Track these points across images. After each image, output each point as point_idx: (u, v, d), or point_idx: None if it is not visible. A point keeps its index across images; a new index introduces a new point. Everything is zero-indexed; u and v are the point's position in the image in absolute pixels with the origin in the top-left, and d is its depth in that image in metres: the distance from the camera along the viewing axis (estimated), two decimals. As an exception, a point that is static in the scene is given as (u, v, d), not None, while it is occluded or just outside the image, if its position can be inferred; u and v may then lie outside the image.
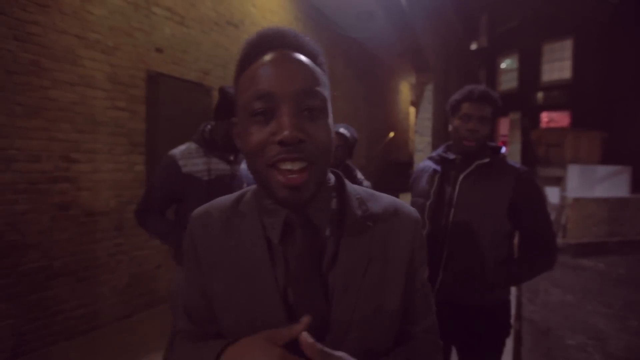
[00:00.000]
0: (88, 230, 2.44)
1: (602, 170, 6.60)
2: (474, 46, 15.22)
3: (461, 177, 1.20)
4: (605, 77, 10.56)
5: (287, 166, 0.40)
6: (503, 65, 14.52)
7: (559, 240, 5.90)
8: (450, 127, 1.26)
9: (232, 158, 1.44)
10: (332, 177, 0.52)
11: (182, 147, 1.41)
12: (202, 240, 0.51)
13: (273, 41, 0.44)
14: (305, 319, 0.40)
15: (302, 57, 0.44)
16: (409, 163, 7.37)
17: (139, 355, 2.23)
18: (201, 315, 0.53)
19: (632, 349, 2.74)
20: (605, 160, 7.46)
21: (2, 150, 2.00)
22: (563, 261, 5.27)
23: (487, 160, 1.17)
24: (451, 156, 1.26)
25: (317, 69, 0.45)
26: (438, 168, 1.27)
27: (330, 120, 0.45)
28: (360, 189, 0.54)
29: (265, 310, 0.46)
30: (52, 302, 2.24)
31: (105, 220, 2.54)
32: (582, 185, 6.43)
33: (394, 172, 8.11)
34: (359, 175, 1.78)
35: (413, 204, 1.33)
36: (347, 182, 0.53)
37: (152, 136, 2.82)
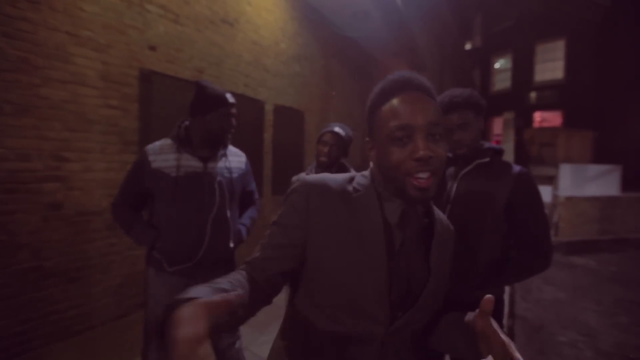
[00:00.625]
0: (80, 230, 2.41)
1: (594, 169, 6.69)
2: (468, 46, 15.33)
3: (460, 174, 1.21)
4: (597, 78, 10.69)
5: (420, 175, 0.57)
6: (497, 65, 14.62)
7: (552, 239, 5.96)
8: None
9: (207, 155, 1.40)
10: None
11: (158, 143, 1.40)
12: (316, 206, 0.63)
13: (407, 84, 0.61)
14: (235, 294, 0.49)
15: (428, 97, 0.60)
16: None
17: (133, 355, 2.21)
18: (271, 269, 0.62)
19: (622, 345, 2.78)
20: (597, 159, 7.57)
21: (-9, 149, 1.97)
22: (555, 259, 5.29)
23: (487, 159, 1.18)
24: (451, 155, 1.27)
25: (437, 105, 0.61)
26: None
27: (446, 141, 0.61)
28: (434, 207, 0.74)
29: (373, 268, 0.60)
30: (44, 303, 2.21)
31: (97, 220, 2.51)
32: (574, 184, 6.51)
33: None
34: (355, 173, 1.79)
35: None
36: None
37: (146, 135, 2.79)
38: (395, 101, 0.59)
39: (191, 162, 1.36)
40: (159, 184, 1.33)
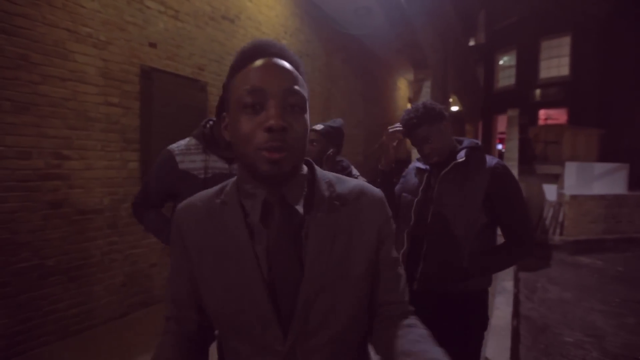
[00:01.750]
0: (81, 229, 2.40)
1: (600, 167, 6.60)
2: (472, 42, 15.20)
3: (440, 175, 1.28)
4: (603, 74, 10.55)
5: (272, 146, 0.48)
6: (501, 62, 14.49)
7: (557, 238, 5.91)
8: None
9: (232, 156, 1.38)
10: (305, 168, 0.60)
11: (182, 142, 1.37)
12: (188, 228, 0.58)
13: (264, 49, 0.53)
14: None
15: (287, 64, 0.53)
16: (407, 160, 7.35)
17: (134, 355, 2.20)
18: (186, 301, 0.60)
19: (629, 346, 2.74)
20: (603, 157, 7.48)
21: (-10, 146, 1.95)
22: (560, 258, 5.27)
23: (463, 159, 1.24)
24: (426, 166, 1.37)
25: (299, 75, 0.54)
26: (427, 167, 1.36)
27: (307, 116, 0.54)
28: (331, 175, 0.62)
29: (247, 285, 0.52)
30: (45, 301, 2.21)
31: (98, 218, 2.49)
32: (580, 182, 6.43)
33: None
34: (354, 171, 1.77)
35: (403, 200, 1.42)
36: (318, 169, 0.61)
37: (146, 133, 2.77)
38: (251, 65, 0.51)
39: (218, 164, 1.34)
40: (186, 185, 1.29)
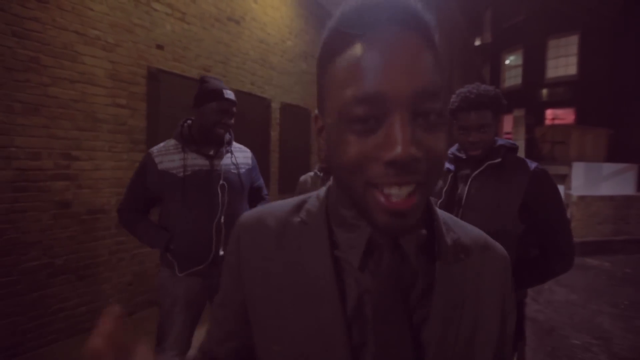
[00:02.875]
0: (89, 228, 2.43)
1: (608, 168, 6.52)
2: (478, 42, 15.10)
3: (472, 176, 1.17)
4: (611, 74, 10.42)
5: (394, 190, 0.31)
6: (507, 62, 14.37)
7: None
8: (455, 132, 1.23)
9: (211, 153, 1.39)
10: None
11: (161, 144, 1.39)
12: (250, 253, 0.43)
13: (381, 12, 0.32)
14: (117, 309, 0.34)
15: (421, 39, 0.32)
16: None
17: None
18: (222, 338, 0.47)
19: (638, 349, 2.70)
20: (611, 157, 7.38)
21: (1, 147, 1.99)
22: (567, 260, 5.21)
23: (498, 160, 1.13)
24: (464, 155, 1.23)
25: (437, 57, 0.33)
26: (451, 167, 1.24)
27: (447, 126, 0.36)
28: (445, 215, 0.45)
29: (324, 349, 0.37)
30: (54, 300, 2.24)
31: (106, 218, 2.53)
32: (587, 183, 6.36)
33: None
34: None
35: None
36: (433, 202, 0.43)
37: (153, 134, 2.81)
38: (359, 47, 0.32)
39: (197, 161, 1.35)
40: (167, 185, 1.32)
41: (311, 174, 1.83)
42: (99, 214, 2.49)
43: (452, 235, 0.41)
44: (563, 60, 12.21)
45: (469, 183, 1.16)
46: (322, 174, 1.74)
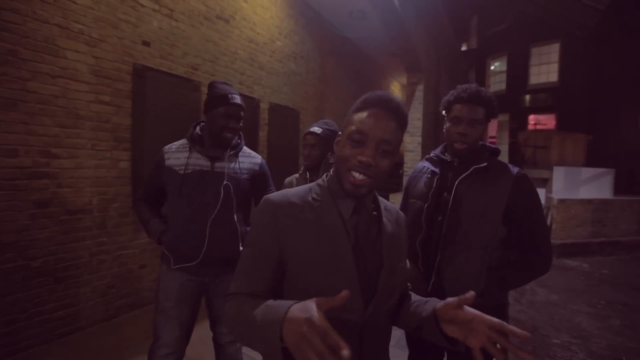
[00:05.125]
0: (69, 229, 2.35)
1: (587, 172, 6.75)
2: (464, 47, 15.40)
3: (457, 180, 1.18)
4: (591, 81, 10.81)
5: (356, 174, 0.68)
6: (492, 67, 14.71)
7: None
8: (444, 128, 1.24)
9: (216, 154, 1.42)
10: None
11: (176, 143, 1.47)
12: (284, 215, 0.71)
13: (383, 102, 0.70)
14: (344, 293, 0.52)
15: (393, 120, 0.70)
16: (399, 163, 7.40)
17: (122, 358, 2.16)
18: (262, 278, 0.69)
19: (615, 347, 2.80)
20: (590, 162, 7.64)
21: (-24, 144, 1.90)
22: (548, 261, 5.36)
23: (484, 164, 1.16)
24: (448, 157, 1.25)
25: (398, 130, 0.71)
26: (437, 170, 1.25)
27: (392, 161, 0.71)
28: (381, 199, 0.83)
29: (341, 262, 0.68)
30: (30, 303, 2.15)
31: (87, 218, 2.45)
32: (567, 186, 6.56)
33: (384, 172, 8.11)
34: None
35: (410, 205, 1.31)
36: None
37: (138, 132, 2.73)
38: (367, 112, 0.70)
39: (199, 161, 1.40)
40: (170, 181, 1.41)
41: (296, 175, 1.84)
42: (79, 214, 2.40)
43: (383, 203, 0.82)
44: (545, 68, 12.59)
45: (455, 187, 1.18)
46: (308, 174, 1.76)
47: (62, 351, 2.20)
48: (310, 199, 0.74)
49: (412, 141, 5.76)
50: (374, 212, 0.78)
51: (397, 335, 2.48)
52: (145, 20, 2.77)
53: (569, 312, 3.49)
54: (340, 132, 0.76)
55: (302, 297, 0.59)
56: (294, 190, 0.76)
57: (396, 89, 10.14)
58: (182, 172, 1.38)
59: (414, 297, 0.81)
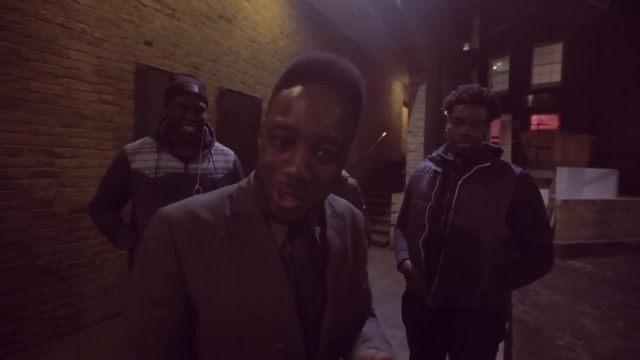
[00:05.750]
0: (72, 228, 2.35)
1: (591, 172, 6.70)
2: (466, 47, 15.36)
3: (461, 180, 1.17)
4: (594, 81, 10.75)
5: (285, 194, 0.45)
6: (495, 67, 14.67)
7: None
8: (446, 128, 1.24)
9: (186, 155, 1.32)
10: None
11: (138, 141, 1.34)
12: (190, 247, 0.47)
13: (321, 73, 0.46)
14: (384, 355, 0.43)
15: (338, 101, 0.46)
16: (401, 163, 7.38)
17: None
18: (162, 354, 0.46)
19: (620, 350, 2.77)
20: (594, 163, 7.60)
21: (-21, 143, 1.91)
22: (551, 262, 5.33)
23: (487, 164, 1.15)
24: (451, 157, 1.24)
25: (349, 115, 0.48)
26: (439, 170, 1.25)
27: (342, 164, 0.49)
28: (328, 201, 0.63)
29: (277, 308, 0.48)
30: (34, 302, 2.16)
31: (90, 217, 2.45)
32: (571, 187, 6.53)
33: (385, 173, 8.12)
34: (344, 172, 1.73)
35: (413, 205, 1.30)
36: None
37: (141, 131, 2.74)
38: (297, 89, 0.45)
39: (171, 163, 1.29)
40: (138, 185, 1.27)
41: None
42: (82, 213, 2.41)
43: (331, 208, 0.60)
44: (548, 68, 12.55)
45: (458, 187, 1.17)
46: None
47: (66, 349, 2.20)
48: (228, 212, 0.51)
49: (414, 141, 5.75)
50: (318, 229, 0.55)
51: (400, 336, 2.47)
52: (148, 19, 2.77)
53: (573, 314, 3.46)
54: (263, 120, 0.52)
55: (222, 355, 0.47)
56: (205, 198, 0.53)
57: (398, 89, 10.13)
58: (152, 175, 1.25)
59: (364, 331, 0.60)
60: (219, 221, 0.50)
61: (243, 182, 0.56)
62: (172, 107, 1.28)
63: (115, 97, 2.58)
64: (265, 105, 4.25)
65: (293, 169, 0.43)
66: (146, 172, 1.26)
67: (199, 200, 0.53)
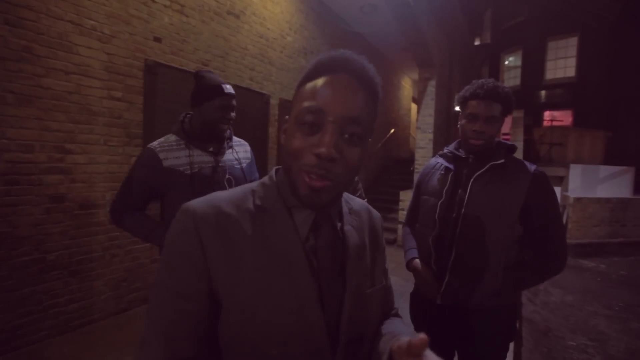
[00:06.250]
0: (82, 223, 2.38)
1: (605, 170, 6.54)
2: (477, 42, 15.08)
3: (473, 177, 1.15)
4: (610, 76, 10.45)
5: (314, 176, 0.46)
6: (506, 62, 14.38)
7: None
8: (459, 124, 1.21)
9: (212, 149, 1.36)
10: None
11: (161, 140, 1.33)
12: (215, 242, 0.48)
13: (341, 64, 0.49)
14: (423, 337, 0.42)
15: (359, 87, 0.49)
16: (410, 160, 7.31)
17: (133, 351, 2.19)
18: (189, 334, 0.46)
19: (633, 351, 2.71)
20: (608, 160, 7.41)
21: (-8, 139, 1.94)
22: (563, 261, 5.23)
23: (501, 161, 1.12)
24: (463, 154, 1.21)
25: (370, 104, 0.51)
26: (451, 166, 1.22)
27: (366, 149, 0.52)
28: (344, 198, 0.64)
29: (301, 301, 0.48)
30: (45, 296, 2.20)
31: (100, 213, 2.48)
32: (584, 185, 6.38)
33: (394, 169, 8.05)
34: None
35: (423, 202, 1.28)
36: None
37: (150, 128, 2.75)
38: (321, 80, 0.49)
39: (203, 158, 1.33)
40: (173, 182, 1.27)
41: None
42: (92, 208, 2.44)
43: (347, 205, 0.61)
44: (562, 62, 12.24)
45: (470, 184, 1.15)
46: None
47: (76, 342, 2.24)
48: (251, 206, 0.52)
49: (423, 138, 5.67)
50: (339, 223, 0.56)
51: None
52: (157, 16, 2.78)
53: (584, 314, 3.39)
54: (285, 117, 0.54)
55: (246, 349, 0.47)
56: (227, 194, 0.55)
57: (407, 85, 10.01)
58: (188, 172, 1.28)
59: (386, 327, 0.61)
60: (242, 215, 0.51)
61: (265, 178, 0.58)
62: (209, 108, 1.31)
63: (125, 94, 2.59)
64: (273, 102, 4.24)
65: (323, 149, 0.45)
66: (181, 168, 1.28)
67: (223, 195, 0.54)
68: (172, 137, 1.34)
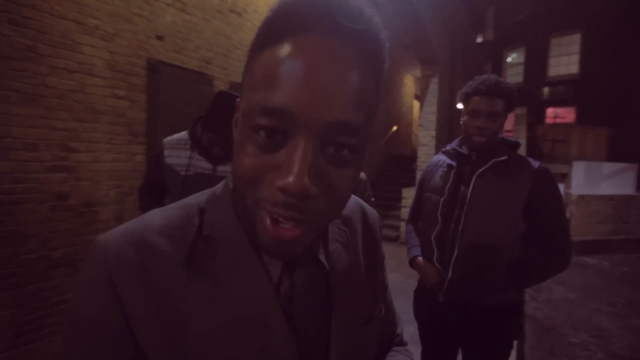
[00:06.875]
0: (87, 221, 2.40)
1: (608, 167, 6.51)
2: (479, 39, 14.99)
3: (476, 174, 1.15)
4: (613, 73, 10.38)
5: (281, 218, 0.29)
6: (509, 59, 14.30)
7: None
8: (461, 121, 1.21)
9: (218, 157, 1.33)
10: None
11: (177, 136, 1.38)
12: (141, 294, 0.31)
13: (321, 16, 0.27)
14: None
15: (354, 61, 0.28)
16: (412, 157, 7.30)
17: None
18: None
19: (636, 348, 2.71)
20: (612, 157, 7.37)
21: (-2, 138, 1.96)
22: (566, 258, 5.23)
23: (504, 158, 1.12)
24: (465, 151, 1.21)
25: (370, 84, 0.30)
26: (453, 163, 1.22)
27: (362, 162, 0.33)
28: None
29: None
30: (52, 292, 2.22)
31: (104, 210, 2.50)
32: (587, 182, 6.36)
33: (396, 167, 8.05)
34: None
35: (426, 199, 1.28)
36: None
37: (153, 126, 2.77)
38: (285, 48, 0.28)
39: (201, 163, 1.31)
40: (170, 179, 1.32)
41: None
42: (97, 206, 2.46)
43: (344, 217, 0.46)
44: (565, 59, 12.16)
45: (473, 181, 1.14)
46: None
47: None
48: (196, 236, 0.35)
49: (425, 135, 5.66)
50: (321, 253, 0.40)
51: (410, 331, 2.47)
52: (159, 14, 2.78)
53: (587, 311, 3.39)
54: (238, 100, 0.34)
55: None
56: (162, 215, 0.36)
57: (409, 82, 9.98)
58: (182, 172, 1.29)
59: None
60: (181, 251, 0.34)
61: (218, 187, 0.40)
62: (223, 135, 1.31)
63: (127, 92, 2.60)
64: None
65: (290, 179, 0.26)
66: (177, 168, 1.30)
67: (154, 219, 0.35)
68: (185, 136, 1.36)
